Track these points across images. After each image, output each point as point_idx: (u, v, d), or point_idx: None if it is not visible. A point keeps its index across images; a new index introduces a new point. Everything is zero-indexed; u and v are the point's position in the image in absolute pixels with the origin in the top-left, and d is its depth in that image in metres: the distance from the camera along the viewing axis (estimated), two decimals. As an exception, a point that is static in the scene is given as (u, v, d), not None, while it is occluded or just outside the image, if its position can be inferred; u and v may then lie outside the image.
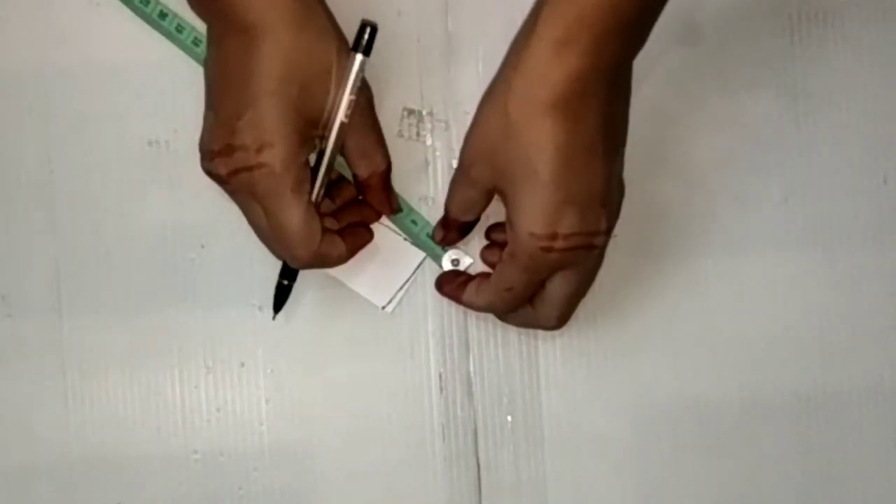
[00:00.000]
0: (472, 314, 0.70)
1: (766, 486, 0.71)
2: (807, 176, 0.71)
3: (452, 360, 0.70)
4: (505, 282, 0.64)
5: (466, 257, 0.70)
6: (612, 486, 0.71)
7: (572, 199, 0.60)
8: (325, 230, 0.64)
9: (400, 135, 0.70)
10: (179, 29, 0.68)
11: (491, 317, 0.69)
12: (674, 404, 0.71)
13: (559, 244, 0.61)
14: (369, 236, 0.68)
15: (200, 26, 0.67)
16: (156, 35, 0.68)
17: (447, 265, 0.70)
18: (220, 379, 0.70)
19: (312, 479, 0.70)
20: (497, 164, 0.61)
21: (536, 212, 0.60)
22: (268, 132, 0.60)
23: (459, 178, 0.64)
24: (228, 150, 0.61)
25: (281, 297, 0.68)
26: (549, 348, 0.71)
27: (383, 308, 0.70)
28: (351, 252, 0.66)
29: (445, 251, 0.70)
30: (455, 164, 0.66)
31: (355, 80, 0.62)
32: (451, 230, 0.67)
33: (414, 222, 0.70)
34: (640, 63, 0.71)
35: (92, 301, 0.70)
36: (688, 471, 0.71)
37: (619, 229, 0.70)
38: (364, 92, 0.64)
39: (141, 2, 0.68)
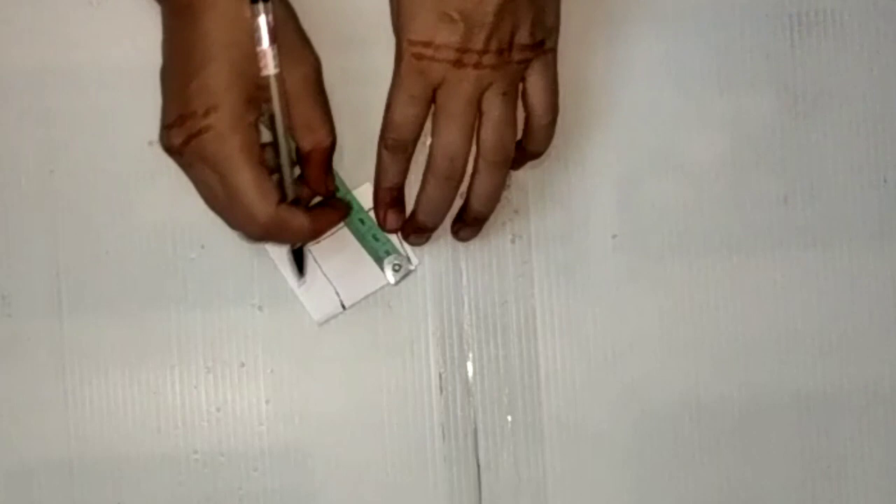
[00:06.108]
0: (472, 314, 0.70)
1: (766, 486, 0.71)
2: (807, 176, 0.71)
3: (452, 360, 0.70)
4: (404, 97, 0.64)
5: (409, 265, 0.70)
6: (612, 486, 0.71)
7: (458, 8, 0.61)
8: (287, 203, 0.64)
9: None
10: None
11: (491, 317, 0.69)
12: (674, 404, 0.71)
13: (429, 52, 0.62)
14: (338, 215, 0.67)
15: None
16: (155, 35, 0.68)
17: (389, 271, 0.69)
18: (220, 379, 0.70)
19: (312, 480, 0.70)
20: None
21: (416, 18, 0.62)
22: (213, 96, 0.62)
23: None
24: (180, 120, 0.63)
25: (299, 261, 0.68)
26: (549, 348, 0.71)
27: (344, 309, 0.70)
28: (316, 225, 0.65)
29: (388, 255, 0.69)
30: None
31: (264, 29, 0.62)
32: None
33: (362, 221, 0.70)
34: (640, 63, 0.71)
35: (92, 301, 0.70)
36: (688, 471, 0.71)
37: (619, 229, 0.70)
38: (310, 61, 0.65)
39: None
